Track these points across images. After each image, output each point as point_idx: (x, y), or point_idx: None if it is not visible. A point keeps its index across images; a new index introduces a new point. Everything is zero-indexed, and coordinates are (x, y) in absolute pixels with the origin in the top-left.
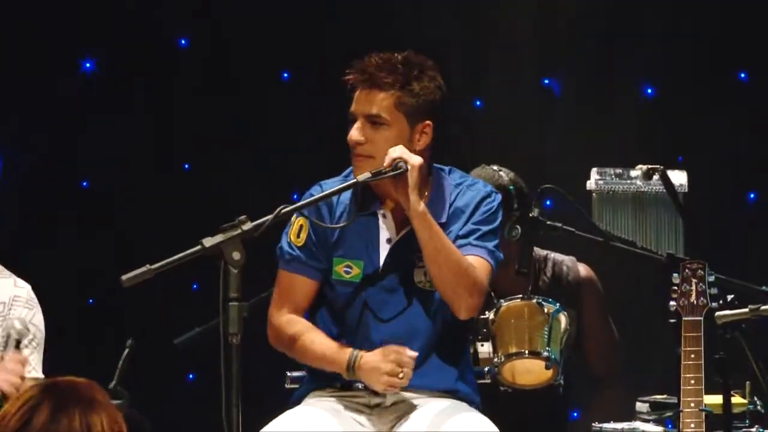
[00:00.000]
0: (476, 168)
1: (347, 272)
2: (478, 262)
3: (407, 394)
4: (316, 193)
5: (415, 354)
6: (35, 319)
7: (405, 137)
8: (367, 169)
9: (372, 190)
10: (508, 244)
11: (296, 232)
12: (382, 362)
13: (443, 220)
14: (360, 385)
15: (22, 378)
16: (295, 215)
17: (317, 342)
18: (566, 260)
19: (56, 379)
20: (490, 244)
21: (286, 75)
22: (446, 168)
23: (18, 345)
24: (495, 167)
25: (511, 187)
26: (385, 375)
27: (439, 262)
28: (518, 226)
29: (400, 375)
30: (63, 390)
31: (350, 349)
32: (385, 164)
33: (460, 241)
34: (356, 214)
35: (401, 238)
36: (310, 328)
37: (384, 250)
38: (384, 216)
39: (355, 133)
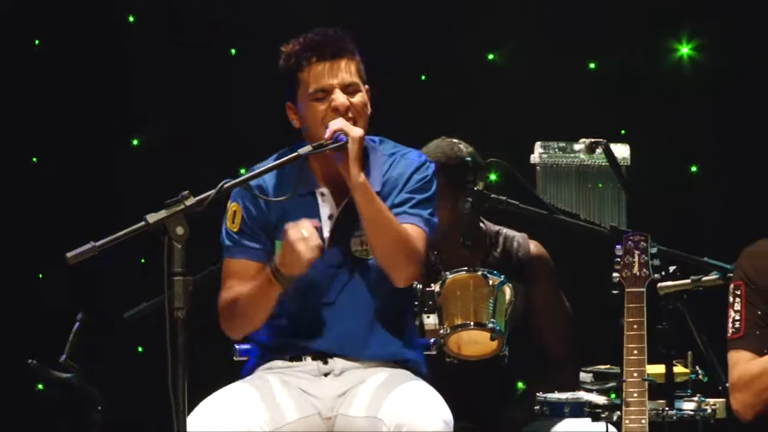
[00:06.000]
0: (435, 140)
1: None
2: (414, 230)
3: (356, 364)
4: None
5: (309, 223)
6: None
7: (367, 101)
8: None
9: (308, 171)
10: (459, 217)
11: (231, 218)
12: (287, 242)
13: (377, 189)
14: (308, 358)
15: None
16: (230, 201)
17: (245, 287)
18: (518, 236)
19: None
20: (425, 212)
21: (234, 51)
22: (376, 138)
23: None
24: (455, 140)
25: (469, 159)
26: (295, 244)
27: (378, 231)
28: (470, 199)
29: (305, 234)
30: None
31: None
32: (326, 136)
33: (396, 210)
34: (295, 190)
35: (341, 211)
36: (244, 285)
37: (327, 226)
38: (322, 194)
39: (344, 100)
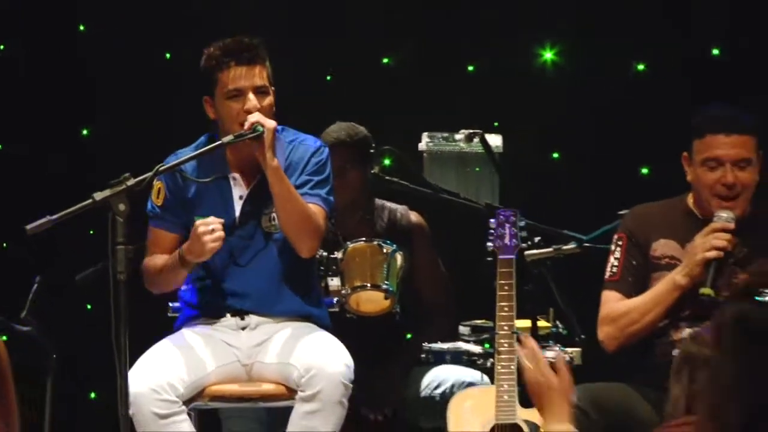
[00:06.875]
0: (332, 125)
1: None
2: (315, 208)
3: (268, 319)
4: (172, 160)
5: (214, 219)
6: None
7: (273, 102)
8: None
9: (223, 158)
10: (366, 185)
11: (156, 193)
12: (195, 234)
13: None
14: (228, 315)
15: None
16: (155, 180)
17: (160, 260)
18: (400, 208)
19: None
20: (323, 192)
21: (168, 55)
22: (280, 127)
23: None
24: (351, 123)
25: (368, 135)
26: (202, 237)
27: (287, 209)
28: (375, 167)
29: (211, 228)
30: None
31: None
32: (245, 127)
33: (298, 191)
34: (216, 175)
35: (250, 192)
36: (159, 257)
37: (238, 205)
38: (234, 178)
39: (255, 103)
